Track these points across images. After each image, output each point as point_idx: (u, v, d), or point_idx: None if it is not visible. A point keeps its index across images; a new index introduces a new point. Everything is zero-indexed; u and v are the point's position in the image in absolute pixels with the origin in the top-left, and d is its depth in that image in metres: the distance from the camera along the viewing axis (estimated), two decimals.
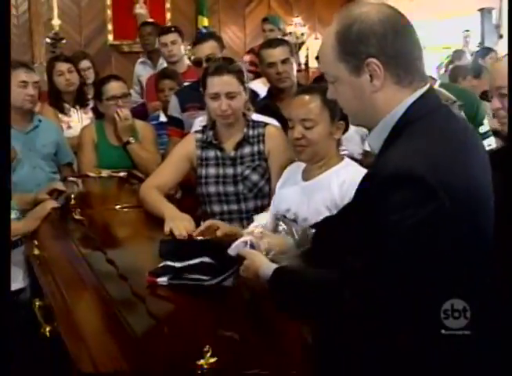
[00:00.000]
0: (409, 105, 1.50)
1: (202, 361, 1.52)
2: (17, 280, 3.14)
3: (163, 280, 2.09)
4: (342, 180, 2.43)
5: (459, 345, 1.45)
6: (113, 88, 3.84)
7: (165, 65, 5.29)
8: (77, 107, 4.43)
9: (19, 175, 3.43)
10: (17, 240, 3.08)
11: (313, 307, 1.57)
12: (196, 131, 3.06)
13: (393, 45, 1.47)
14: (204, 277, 2.07)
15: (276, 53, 3.69)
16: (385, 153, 1.50)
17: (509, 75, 1.96)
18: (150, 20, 7.21)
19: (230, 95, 2.80)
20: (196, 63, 3.86)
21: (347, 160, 2.56)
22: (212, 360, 1.52)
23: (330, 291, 1.47)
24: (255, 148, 2.92)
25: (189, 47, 5.03)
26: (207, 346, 1.53)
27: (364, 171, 1.97)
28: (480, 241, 1.47)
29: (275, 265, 1.77)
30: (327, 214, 2.28)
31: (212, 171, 2.95)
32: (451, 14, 8.79)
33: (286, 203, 2.53)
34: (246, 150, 2.93)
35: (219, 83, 2.81)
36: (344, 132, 2.52)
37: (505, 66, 2.10)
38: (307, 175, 2.55)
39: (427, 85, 1.54)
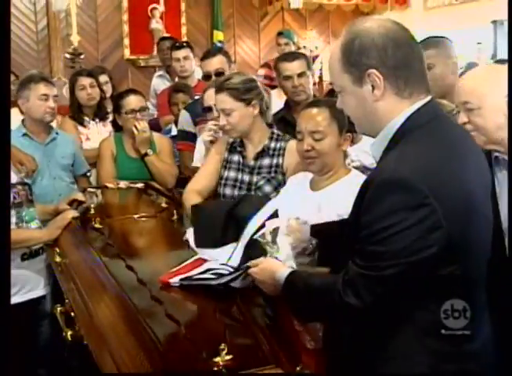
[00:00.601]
0: (407, 115, 1.57)
1: (218, 358, 1.58)
2: (39, 288, 3.23)
3: (175, 281, 2.20)
4: (352, 190, 2.47)
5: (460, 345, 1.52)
6: (132, 101, 3.91)
7: None
8: (97, 120, 4.51)
9: (40, 186, 3.50)
10: (39, 248, 3.17)
11: (319, 311, 1.65)
12: None
13: (393, 57, 1.55)
14: (212, 276, 2.17)
15: (293, 67, 3.74)
16: (382, 161, 1.57)
17: (509, 79, 2.02)
18: (168, 35, 7.32)
19: (225, 113, 2.92)
20: (205, 76, 3.92)
21: (354, 171, 2.62)
22: (228, 358, 1.58)
23: (334, 295, 1.53)
24: (274, 161, 2.97)
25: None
26: (223, 344, 1.59)
27: None
28: (473, 244, 1.53)
29: (290, 270, 1.83)
30: None
31: (232, 174, 3.04)
32: (463, 25, 8.81)
33: (295, 212, 2.51)
34: (266, 161, 2.99)
35: (215, 102, 2.97)
36: (350, 144, 2.58)
37: (469, 81, 2.19)
38: (315, 186, 2.59)
39: (428, 97, 1.61)
